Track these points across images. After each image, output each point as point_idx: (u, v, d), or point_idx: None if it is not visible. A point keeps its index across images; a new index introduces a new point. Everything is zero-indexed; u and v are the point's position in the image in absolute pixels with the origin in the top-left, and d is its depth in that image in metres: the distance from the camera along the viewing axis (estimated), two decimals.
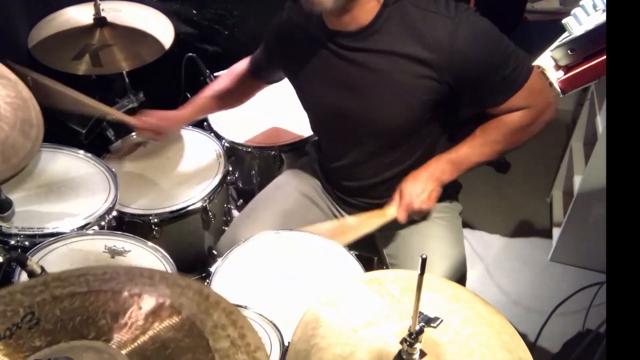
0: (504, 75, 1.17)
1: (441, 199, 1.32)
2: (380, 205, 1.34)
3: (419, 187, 1.26)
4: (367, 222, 1.33)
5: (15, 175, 1.00)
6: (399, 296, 0.92)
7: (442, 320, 0.82)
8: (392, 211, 1.30)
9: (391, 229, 1.42)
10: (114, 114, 1.58)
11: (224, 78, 1.59)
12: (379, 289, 0.93)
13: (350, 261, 1.28)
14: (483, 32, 1.14)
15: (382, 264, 1.60)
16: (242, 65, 1.57)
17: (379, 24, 1.16)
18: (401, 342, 0.84)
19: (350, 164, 1.38)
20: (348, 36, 1.19)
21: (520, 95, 1.19)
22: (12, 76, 1.12)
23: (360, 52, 1.20)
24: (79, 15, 1.74)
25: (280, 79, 1.55)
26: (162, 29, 1.76)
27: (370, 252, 1.56)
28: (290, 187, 1.52)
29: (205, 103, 1.58)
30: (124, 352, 0.72)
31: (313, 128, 1.50)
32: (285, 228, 1.38)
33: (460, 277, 1.35)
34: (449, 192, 1.41)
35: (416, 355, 0.82)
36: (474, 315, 0.90)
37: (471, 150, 1.27)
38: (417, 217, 1.33)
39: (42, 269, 1.04)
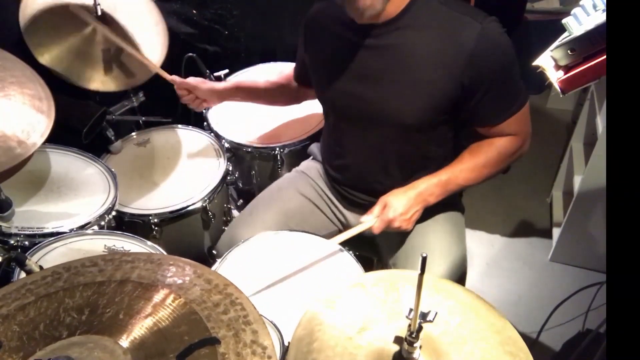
0: (508, 93, 1.21)
1: (445, 198, 1.32)
2: None
3: (405, 206, 1.25)
4: (345, 234, 1.28)
5: (33, 155, 1.01)
6: (384, 297, 0.92)
7: (436, 314, 0.83)
8: (369, 221, 1.27)
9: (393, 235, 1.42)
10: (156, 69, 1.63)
11: (278, 75, 1.61)
12: (363, 292, 0.93)
13: (350, 261, 1.28)
14: (505, 43, 1.17)
15: (382, 265, 1.60)
16: (290, 69, 1.60)
17: (406, 17, 1.18)
18: (396, 342, 0.84)
19: (360, 160, 1.38)
20: (375, 27, 1.20)
21: (515, 119, 1.23)
22: (11, 56, 1.13)
23: (385, 43, 1.21)
24: None
25: None
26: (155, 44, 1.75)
27: (370, 253, 1.56)
28: (291, 188, 1.52)
29: (253, 86, 1.61)
30: (104, 335, 0.75)
31: (329, 124, 1.48)
32: (285, 227, 1.39)
33: (460, 276, 1.35)
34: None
35: (416, 353, 0.82)
36: (458, 304, 0.91)
37: (460, 173, 1.28)
38: (392, 231, 1.30)
39: (41, 268, 1.04)
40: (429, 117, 1.24)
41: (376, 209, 1.28)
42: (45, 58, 1.55)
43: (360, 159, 1.39)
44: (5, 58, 1.11)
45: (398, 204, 1.25)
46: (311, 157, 1.61)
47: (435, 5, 1.18)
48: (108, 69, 1.63)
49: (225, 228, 1.62)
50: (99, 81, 1.63)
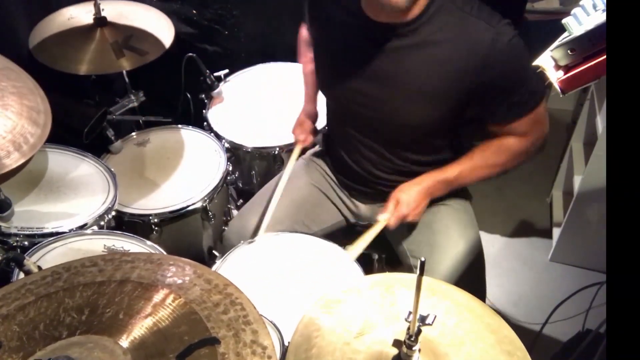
0: (520, 94, 1.19)
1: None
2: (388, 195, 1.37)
3: (415, 200, 1.30)
4: (366, 236, 1.32)
5: (27, 163, 1.00)
6: (380, 300, 0.92)
7: (435, 317, 0.82)
8: (384, 220, 1.31)
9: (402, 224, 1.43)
10: None
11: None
12: (360, 296, 0.93)
13: (349, 262, 1.28)
14: (517, 47, 1.16)
15: (382, 263, 1.60)
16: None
17: (423, 21, 1.17)
18: (395, 345, 0.84)
19: (363, 157, 1.39)
20: (390, 29, 1.19)
21: (527, 119, 1.22)
22: (16, 67, 1.12)
23: (400, 46, 1.19)
24: (79, 15, 1.74)
25: None
26: (162, 28, 1.76)
27: (371, 249, 1.55)
28: (302, 177, 1.53)
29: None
30: (102, 335, 0.75)
31: (330, 118, 1.49)
32: (296, 218, 1.41)
33: (477, 254, 1.37)
34: None
35: (415, 356, 0.82)
36: (453, 305, 0.91)
37: (468, 172, 1.32)
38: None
39: (40, 268, 1.04)
40: (439, 122, 1.24)
41: (389, 206, 1.31)
42: (84, 68, 1.59)
43: (362, 160, 1.39)
44: (9, 68, 1.11)
45: (409, 199, 1.30)
46: (318, 146, 1.61)
47: (452, 9, 1.17)
48: (120, 55, 1.64)
49: (226, 228, 1.62)
50: (116, 66, 1.64)
